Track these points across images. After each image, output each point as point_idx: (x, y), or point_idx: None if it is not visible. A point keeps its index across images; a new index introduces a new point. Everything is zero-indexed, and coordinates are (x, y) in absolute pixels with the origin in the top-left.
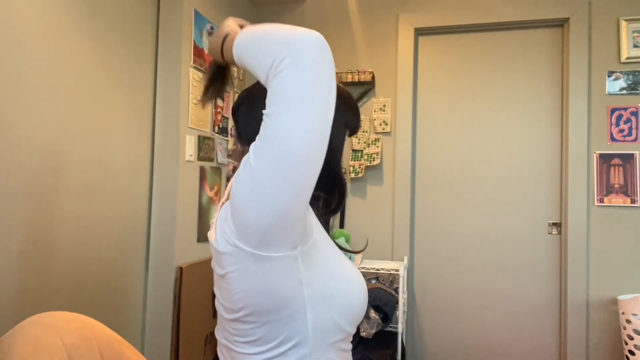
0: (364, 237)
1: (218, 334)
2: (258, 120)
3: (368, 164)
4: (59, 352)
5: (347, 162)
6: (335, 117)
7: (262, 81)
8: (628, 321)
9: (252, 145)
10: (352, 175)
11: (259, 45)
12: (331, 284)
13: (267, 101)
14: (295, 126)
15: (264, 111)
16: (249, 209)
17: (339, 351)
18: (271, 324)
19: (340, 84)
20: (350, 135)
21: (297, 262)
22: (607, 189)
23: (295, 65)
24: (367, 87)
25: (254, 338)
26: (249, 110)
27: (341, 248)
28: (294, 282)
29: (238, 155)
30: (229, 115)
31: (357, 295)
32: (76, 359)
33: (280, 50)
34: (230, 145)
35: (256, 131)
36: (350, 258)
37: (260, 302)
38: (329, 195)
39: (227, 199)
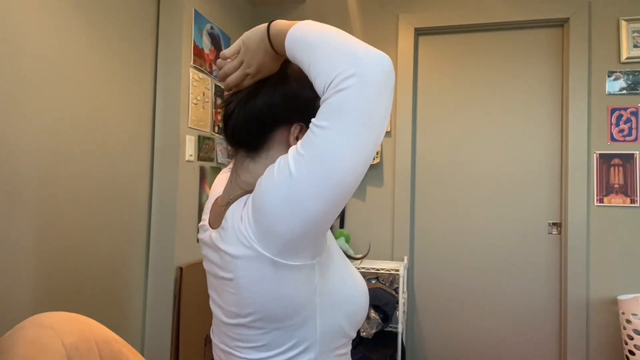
0: (363, 237)
1: (215, 338)
2: (253, 120)
3: None
4: (59, 352)
5: None
6: None
7: (317, 86)
8: (628, 321)
9: (294, 152)
10: None
11: (324, 49)
12: (341, 290)
13: (322, 113)
14: (349, 148)
15: (314, 120)
16: (280, 216)
17: (340, 356)
18: (280, 330)
19: None
20: None
21: (314, 271)
22: (607, 189)
23: (362, 87)
24: None
25: (260, 344)
26: (241, 110)
27: (346, 255)
28: (308, 290)
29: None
30: None
31: (362, 300)
32: (76, 359)
33: (348, 65)
34: None
35: (250, 133)
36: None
37: (272, 308)
38: None
39: (225, 198)
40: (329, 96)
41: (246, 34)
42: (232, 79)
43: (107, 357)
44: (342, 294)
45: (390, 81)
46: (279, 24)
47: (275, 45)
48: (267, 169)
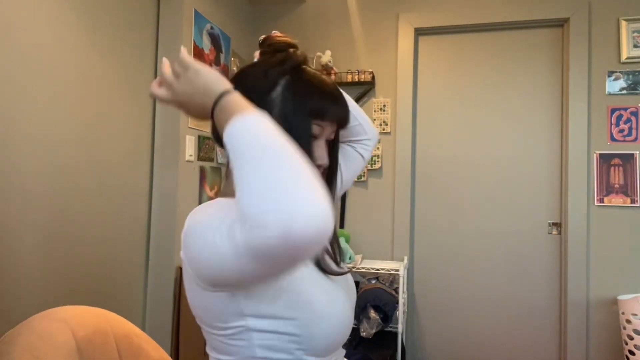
0: (364, 237)
1: None
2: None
3: (369, 167)
4: (67, 344)
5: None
6: (295, 105)
7: (238, 205)
8: (628, 321)
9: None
10: (355, 179)
11: (256, 165)
12: (285, 315)
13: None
14: (220, 258)
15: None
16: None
17: None
18: (220, 338)
19: (310, 67)
20: (340, 127)
21: (237, 297)
22: (607, 189)
23: (275, 238)
24: (367, 87)
25: (213, 345)
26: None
27: (332, 272)
28: (233, 312)
29: None
30: None
31: (323, 330)
32: (87, 351)
33: (272, 203)
34: None
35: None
36: (350, 257)
37: (204, 316)
38: None
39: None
40: (243, 218)
41: (198, 73)
42: (158, 94)
43: (125, 351)
44: (286, 321)
45: (315, 243)
46: (230, 103)
47: (217, 125)
48: (200, 206)
